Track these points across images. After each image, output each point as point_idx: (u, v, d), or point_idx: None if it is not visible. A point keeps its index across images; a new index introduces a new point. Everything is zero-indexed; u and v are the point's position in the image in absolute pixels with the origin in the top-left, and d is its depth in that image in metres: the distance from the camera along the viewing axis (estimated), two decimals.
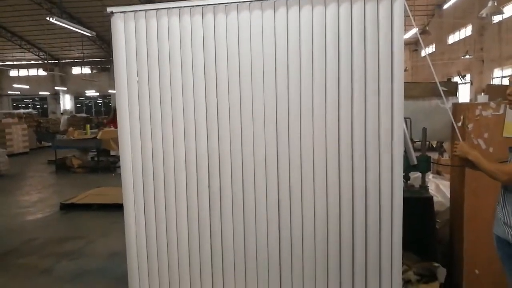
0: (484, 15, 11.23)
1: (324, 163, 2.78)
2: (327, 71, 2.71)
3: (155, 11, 2.91)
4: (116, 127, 3.75)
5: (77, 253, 4.96)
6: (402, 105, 2.70)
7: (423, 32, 19.99)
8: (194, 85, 2.91)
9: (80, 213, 6.79)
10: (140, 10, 2.93)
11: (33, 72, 36.47)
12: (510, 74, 17.54)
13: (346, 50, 2.69)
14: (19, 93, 34.07)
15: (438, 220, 4.10)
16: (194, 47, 2.87)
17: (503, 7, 13.95)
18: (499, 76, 18.96)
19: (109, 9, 2.96)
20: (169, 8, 2.88)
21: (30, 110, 27.89)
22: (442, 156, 7.68)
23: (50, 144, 15.61)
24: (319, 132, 2.77)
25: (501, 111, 3.08)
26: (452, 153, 2.73)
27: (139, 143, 3.04)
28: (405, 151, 3.47)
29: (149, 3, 21.98)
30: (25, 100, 37.51)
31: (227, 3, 2.80)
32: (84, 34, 15.51)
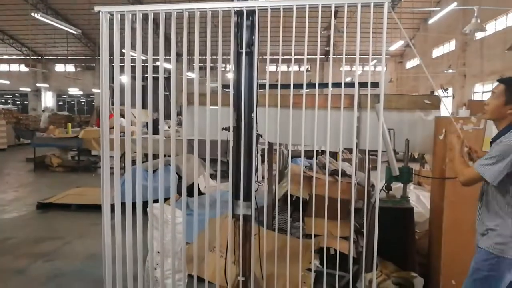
0: (467, 31, 11.51)
1: None
2: None
3: (141, 12, 2.89)
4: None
5: (53, 254, 4.85)
6: None
7: (408, 45, 20.36)
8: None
9: (58, 213, 6.65)
10: (127, 11, 2.90)
11: (14, 67, 35.72)
12: (491, 89, 18.09)
13: None
14: None
15: (417, 231, 4.15)
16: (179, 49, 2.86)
17: (485, 24, 14.32)
18: (480, 91, 19.43)
19: (96, 8, 2.93)
20: (157, 10, 2.86)
21: (9, 106, 27.29)
22: (424, 168, 7.79)
23: (29, 141, 15.28)
24: None
25: (482, 126, 3.15)
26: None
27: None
28: (387, 162, 3.51)
29: (138, 3, 21.88)
30: (4, 96, 36.67)
31: (213, 8, 2.79)
32: (69, 32, 15.27)
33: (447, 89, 21.47)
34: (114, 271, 3.09)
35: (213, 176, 8.69)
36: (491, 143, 2.45)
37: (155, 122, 13.59)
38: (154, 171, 6.76)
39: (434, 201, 3.71)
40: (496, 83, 2.44)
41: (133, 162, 3.08)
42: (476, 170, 2.27)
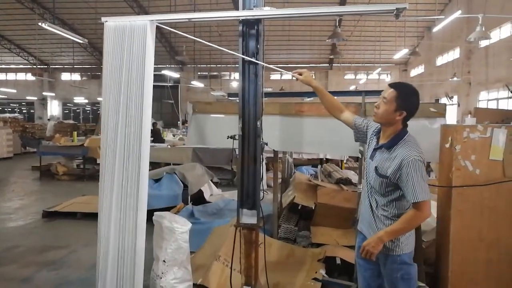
0: (472, 39, 11.50)
1: None
2: None
3: (147, 22, 2.90)
4: None
5: (59, 263, 4.85)
6: None
7: (413, 53, 20.40)
8: None
9: (64, 222, 6.66)
10: (133, 21, 2.91)
11: (21, 76, 36.06)
12: (495, 97, 17.94)
13: None
14: (6, 97, 33.58)
15: (424, 240, 4.11)
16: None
17: (490, 32, 14.31)
18: (485, 99, 19.36)
19: (103, 19, 2.95)
20: (161, 20, 2.88)
21: (16, 114, 27.49)
22: (429, 176, 7.75)
23: (35, 150, 15.36)
24: None
25: (488, 134, 3.14)
26: None
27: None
28: None
29: (144, 14, 22.09)
30: (11, 105, 36.97)
31: (216, 18, 2.81)
32: (75, 41, 15.42)
33: (452, 97, 21.42)
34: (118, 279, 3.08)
35: (217, 185, 8.71)
36: (376, 149, 2.48)
37: (154, 131, 13.66)
38: (159, 180, 6.79)
39: (441, 209, 3.68)
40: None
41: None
42: (426, 199, 2.25)
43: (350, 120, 2.78)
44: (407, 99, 2.39)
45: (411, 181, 2.25)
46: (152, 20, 2.80)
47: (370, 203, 2.53)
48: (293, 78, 2.82)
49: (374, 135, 2.57)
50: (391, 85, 2.45)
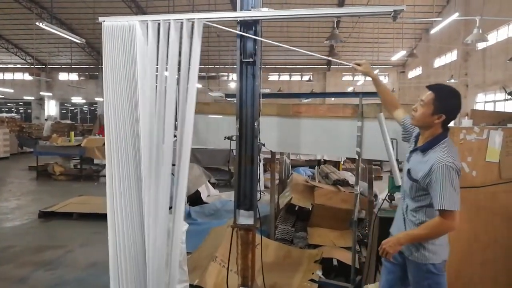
0: (469, 41, 11.55)
1: None
2: None
3: (146, 22, 2.90)
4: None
5: (55, 263, 4.84)
6: None
7: (410, 54, 20.45)
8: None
9: (60, 222, 6.64)
10: (131, 21, 2.91)
11: (18, 76, 35.95)
12: (492, 99, 18.00)
13: None
14: (3, 96, 33.47)
15: None
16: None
17: (487, 34, 14.37)
18: (482, 101, 19.43)
19: (100, 19, 2.95)
20: (160, 20, 2.88)
21: (13, 114, 27.42)
22: None
23: (32, 150, 15.32)
24: None
25: (485, 136, 3.15)
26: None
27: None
28: (390, 172, 3.50)
29: (142, 14, 22.06)
30: (8, 104, 36.85)
31: (214, 18, 2.81)
32: (73, 41, 15.39)
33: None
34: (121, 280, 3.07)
35: (214, 185, 8.70)
36: (412, 152, 2.41)
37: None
38: None
39: None
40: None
41: None
42: (453, 209, 2.12)
43: (400, 118, 2.66)
44: (445, 101, 2.27)
45: (439, 187, 2.13)
46: (144, 20, 2.80)
47: (402, 206, 2.47)
48: (352, 67, 2.74)
49: (415, 138, 2.47)
50: (429, 87, 2.34)
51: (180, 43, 2.79)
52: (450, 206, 2.11)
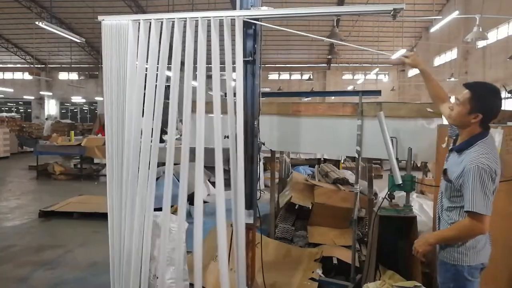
0: (469, 40, 11.54)
1: None
2: None
3: (146, 21, 2.90)
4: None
5: (55, 262, 4.84)
6: None
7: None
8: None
9: (60, 221, 6.64)
10: (131, 20, 2.91)
11: (18, 75, 35.93)
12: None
13: None
14: (3, 96, 33.46)
15: None
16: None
17: (487, 32, 14.36)
18: None
19: (100, 18, 2.95)
20: (159, 19, 2.87)
21: (13, 114, 27.41)
22: (426, 176, 7.77)
23: (32, 149, 15.32)
24: None
25: None
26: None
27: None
28: (390, 170, 3.50)
29: (141, 13, 22.05)
30: (8, 104, 36.84)
31: (213, 17, 2.80)
32: (73, 40, 15.39)
33: (449, 97, 21.48)
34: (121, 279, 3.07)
35: (214, 184, 8.70)
36: (451, 151, 2.36)
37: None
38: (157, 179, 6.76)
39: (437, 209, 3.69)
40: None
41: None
42: (483, 213, 2.06)
43: (447, 113, 2.49)
44: (483, 100, 2.18)
45: (470, 188, 2.07)
46: (147, 19, 2.79)
47: (438, 206, 2.44)
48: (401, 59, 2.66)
49: (455, 136, 2.40)
50: (466, 85, 2.25)
51: (183, 42, 2.79)
52: (480, 209, 2.06)
